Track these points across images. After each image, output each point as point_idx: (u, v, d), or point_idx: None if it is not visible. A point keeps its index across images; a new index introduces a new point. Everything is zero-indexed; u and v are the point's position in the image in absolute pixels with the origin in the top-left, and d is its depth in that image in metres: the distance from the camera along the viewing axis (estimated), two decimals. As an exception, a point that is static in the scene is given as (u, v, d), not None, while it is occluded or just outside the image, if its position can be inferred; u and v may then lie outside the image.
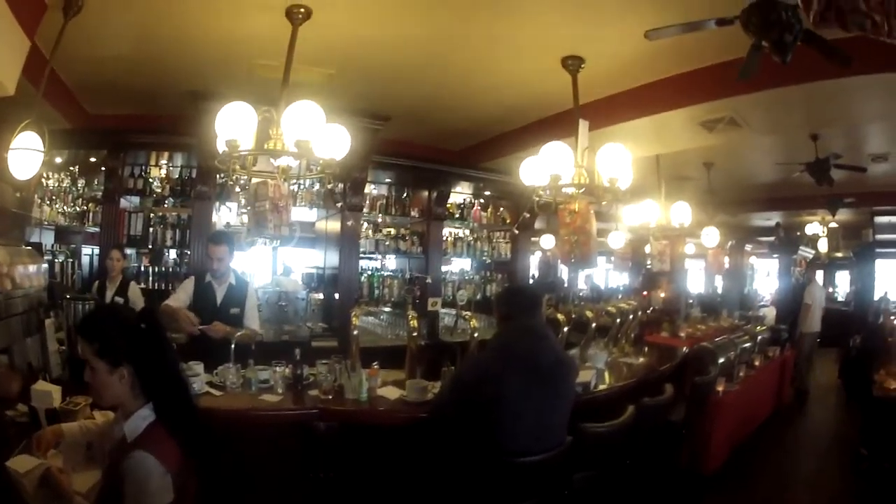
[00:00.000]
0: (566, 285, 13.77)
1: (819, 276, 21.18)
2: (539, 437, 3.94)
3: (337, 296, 8.81)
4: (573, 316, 7.22)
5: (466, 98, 7.53)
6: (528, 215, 10.06)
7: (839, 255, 19.36)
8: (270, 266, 9.68)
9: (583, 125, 6.23)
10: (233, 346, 5.14)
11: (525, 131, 7.19)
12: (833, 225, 15.73)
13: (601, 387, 5.86)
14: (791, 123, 8.16)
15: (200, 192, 7.94)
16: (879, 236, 17.95)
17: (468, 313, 6.21)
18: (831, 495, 7.20)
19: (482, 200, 10.91)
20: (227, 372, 4.87)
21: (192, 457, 2.59)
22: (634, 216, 8.84)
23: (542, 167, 5.83)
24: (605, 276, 19.00)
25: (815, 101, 6.81)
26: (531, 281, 12.19)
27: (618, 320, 7.76)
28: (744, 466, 7.84)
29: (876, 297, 17.95)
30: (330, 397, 4.70)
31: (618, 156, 5.79)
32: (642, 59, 6.42)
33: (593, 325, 7.13)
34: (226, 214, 8.82)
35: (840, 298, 22.13)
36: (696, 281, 18.44)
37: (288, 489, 4.41)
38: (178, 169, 8.58)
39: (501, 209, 11.02)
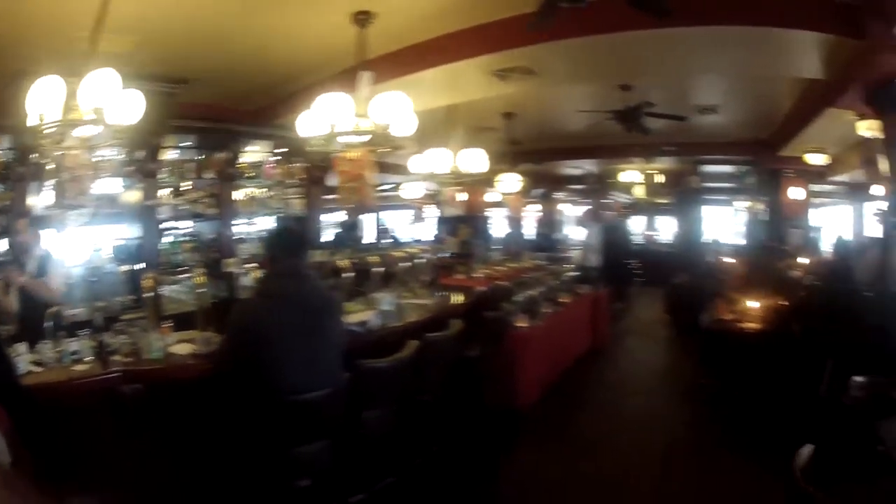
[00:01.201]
0: (364, 235, 13.76)
1: (640, 220, 22.08)
2: (312, 374, 4.03)
3: (144, 266, 8.64)
4: (358, 262, 7.46)
5: (261, 57, 7.41)
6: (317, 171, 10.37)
7: (662, 201, 20.00)
8: (81, 244, 9.45)
9: (365, 76, 6.23)
10: (51, 324, 4.98)
11: (319, 87, 7.13)
12: (653, 172, 16.15)
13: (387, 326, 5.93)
14: (597, 73, 8.42)
15: (18, 174, 7.69)
16: (706, 184, 18.63)
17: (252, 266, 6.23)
18: (652, 426, 7.46)
19: (279, 158, 10.83)
20: (43, 348, 4.74)
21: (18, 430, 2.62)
22: (425, 165, 8.89)
23: (320, 118, 5.90)
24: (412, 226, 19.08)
25: (622, 51, 7.00)
26: (336, 232, 12.23)
27: (408, 264, 8.01)
28: (563, 403, 8.08)
29: (703, 240, 18.66)
30: (131, 360, 4.67)
31: (396, 104, 5.86)
32: (436, 13, 6.47)
33: (378, 269, 7.40)
34: (46, 196, 8.46)
35: (664, 241, 22.92)
36: (501, 226, 18.73)
37: (109, 454, 4.23)
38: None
39: (294, 166, 10.97)
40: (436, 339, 5.24)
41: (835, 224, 16.77)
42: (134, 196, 8.64)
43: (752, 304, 8.56)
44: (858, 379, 5.74)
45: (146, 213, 8.61)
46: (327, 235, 12.00)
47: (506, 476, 5.92)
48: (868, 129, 8.13)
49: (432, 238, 15.03)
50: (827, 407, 5.71)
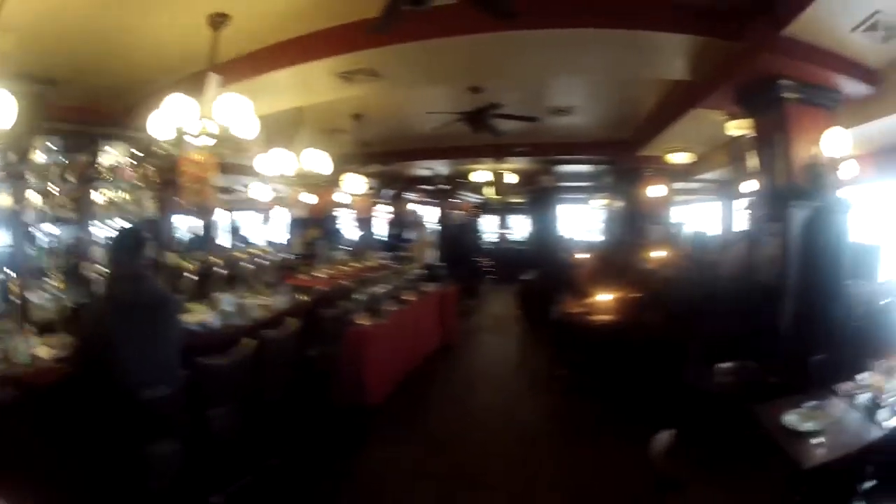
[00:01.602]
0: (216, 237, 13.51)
1: (493, 219, 22.27)
2: (153, 373, 4.10)
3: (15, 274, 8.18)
4: (204, 264, 7.59)
5: (124, 58, 7.18)
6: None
7: (515, 200, 20.18)
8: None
9: (212, 78, 6.21)
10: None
11: (174, 88, 6.93)
12: (505, 172, 16.20)
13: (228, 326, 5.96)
14: (443, 76, 8.46)
15: None
16: (563, 183, 18.83)
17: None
18: (505, 419, 7.59)
19: (135, 161, 10.41)
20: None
21: None
22: (271, 166, 8.81)
23: (167, 120, 5.85)
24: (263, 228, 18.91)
25: (468, 54, 7.11)
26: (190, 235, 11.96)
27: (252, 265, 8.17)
28: (413, 400, 8.17)
29: (557, 237, 18.90)
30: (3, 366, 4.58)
31: (239, 106, 5.88)
32: (286, 16, 6.49)
33: (222, 270, 7.62)
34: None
35: (517, 239, 23.24)
36: (350, 227, 18.61)
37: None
38: None
39: (148, 168, 10.56)
40: (273, 337, 5.37)
41: (700, 220, 17.18)
42: (4, 201, 8.27)
43: (603, 297, 8.94)
44: (725, 365, 5.83)
45: (14, 218, 8.18)
46: (181, 238, 11.66)
47: (358, 474, 5.97)
48: (738, 128, 8.37)
49: (282, 239, 14.90)
50: (690, 392, 5.99)
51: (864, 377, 4.89)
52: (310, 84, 7.88)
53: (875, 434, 4.05)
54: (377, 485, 5.76)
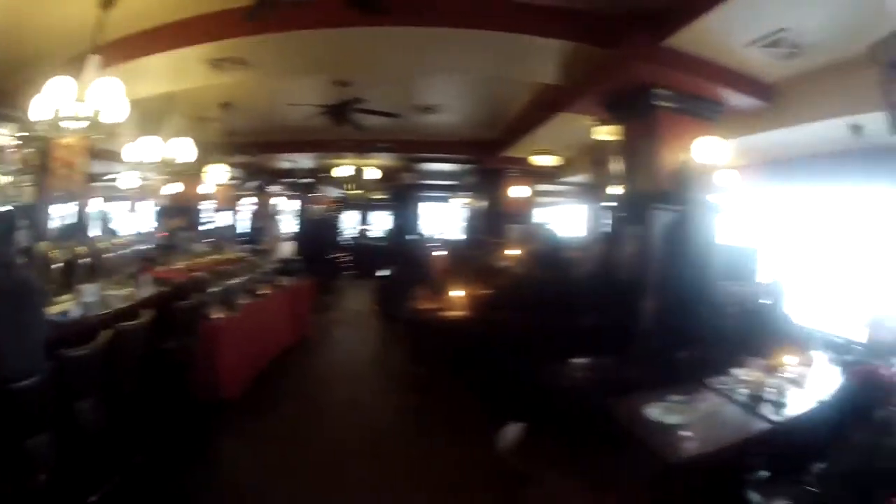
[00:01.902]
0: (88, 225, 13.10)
1: (354, 214, 22.27)
2: (22, 363, 3.93)
3: None
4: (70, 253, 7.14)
5: (16, 36, 6.91)
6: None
7: (377, 196, 20.17)
8: None
9: (92, 60, 5.95)
10: None
11: (64, 69, 6.68)
12: (368, 168, 16.14)
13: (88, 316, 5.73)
14: (311, 67, 8.47)
15: None
16: (427, 181, 18.91)
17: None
18: (361, 413, 7.60)
19: (20, 143, 9.98)
20: None
21: None
22: (138, 153, 8.61)
23: (47, 102, 5.61)
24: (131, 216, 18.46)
25: (335, 47, 7.12)
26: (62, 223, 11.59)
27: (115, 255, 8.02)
28: (269, 393, 8.06)
29: (416, 234, 19.02)
30: None
31: (110, 90, 5.66)
32: (169, 1, 6.42)
33: (85, 260, 7.16)
34: None
35: (377, 235, 23.24)
36: (214, 218, 18.27)
37: None
38: None
39: (28, 151, 10.13)
40: (127, 328, 5.24)
41: (563, 222, 17.46)
42: None
43: (455, 294, 9.00)
44: (579, 360, 5.88)
45: None
46: (55, 225, 11.26)
47: (215, 468, 5.92)
48: (605, 133, 8.66)
49: (148, 229, 14.36)
50: (541, 387, 6.06)
51: (740, 373, 5.02)
52: (182, 70, 7.72)
53: (759, 427, 4.14)
54: (233, 481, 5.65)
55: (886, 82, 4.57)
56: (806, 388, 4.86)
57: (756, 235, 8.75)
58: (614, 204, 8.24)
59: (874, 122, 5.76)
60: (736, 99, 7.30)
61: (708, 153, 7.08)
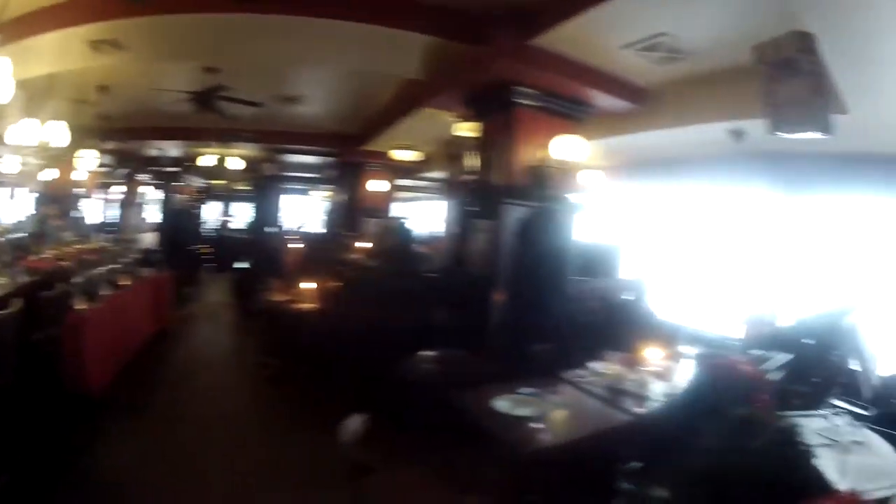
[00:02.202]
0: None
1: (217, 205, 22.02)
2: None
3: None
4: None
5: None
6: None
7: (240, 187, 20.00)
8: None
9: None
10: None
11: None
12: (232, 158, 16.02)
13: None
14: (182, 53, 8.34)
15: None
16: (289, 173, 18.84)
17: None
18: (221, 404, 7.68)
19: None
20: None
21: None
22: (19, 137, 8.42)
23: None
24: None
25: (208, 32, 7.17)
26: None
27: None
28: (134, 384, 8.03)
29: (275, 226, 18.93)
30: None
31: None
32: None
33: None
34: None
35: (239, 226, 23.14)
36: (85, 205, 17.83)
37: None
38: None
39: None
40: None
41: (421, 217, 17.64)
42: None
43: (307, 286, 9.23)
44: (428, 353, 6.04)
45: None
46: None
47: (86, 459, 5.81)
48: (464, 129, 8.84)
49: (25, 217, 13.93)
50: (388, 380, 6.15)
51: (597, 366, 5.26)
52: (64, 50, 7.58)
53: (620, 419, 4.38)
54: (99, 475, 5.59)
55: (769, 84, 4.89)
56: (673, 382, 5.09)
57: (623, 234, 9.15)
58: (469, 199, 8.43)
59: (754, 127, 6.15)
60: (605, 100, 7.66)
61: (568, 152, 7.36)
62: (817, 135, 4.80)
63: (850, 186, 7.09)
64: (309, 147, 15.89)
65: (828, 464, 3.11)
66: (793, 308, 6.42)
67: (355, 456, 3.71)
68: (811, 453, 2.71)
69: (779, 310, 6.50)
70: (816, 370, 4.23)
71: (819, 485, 2.66)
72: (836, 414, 4.06)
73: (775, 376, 3.99)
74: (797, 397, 4.01)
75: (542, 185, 7.40)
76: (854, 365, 4.33)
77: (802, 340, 4.37)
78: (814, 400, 4.10)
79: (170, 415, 7.14)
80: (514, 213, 7.34)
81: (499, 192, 7.55)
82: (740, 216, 8.28)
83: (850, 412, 4.18)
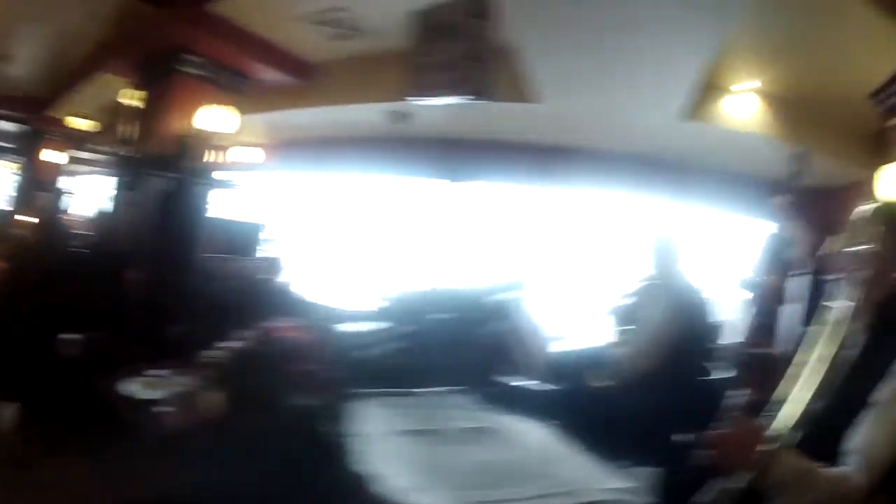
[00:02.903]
0: None
1: None
2: None
3: None
4: None
5: None
6: None
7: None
8: None
9: None
10: None
11: None
12: None
13: None
14: None
15: None
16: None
17: None
18: None
19: None
20: None
21: None
22: None
23: None
24: None
25: None
26: None
27: None
28: None
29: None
30: None
31: None
32: None
33: None
34: None
35: None
36: None
37: None
38: None
39: None
40: None
41: (95, 190, 17.00)
42: None
43: None
44: (71, 336, 5.77)
45: None
46: None
47: None
48: (130, 97, 8.35)
49: None
50: (37, 362, 5.62)
51: (230, 346, 5.17)
52: None
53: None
54: None
55: (421, 47, 4.92)
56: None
57: (269, 213, 8.99)
58: (120, 171, 8.16)
59: (425, 111, 6.25)
60: (270, 74, 7.52)
61: (217, 124, 7.20)
62: (467, 99, 4.88)
63: (527, 176, 7.48)
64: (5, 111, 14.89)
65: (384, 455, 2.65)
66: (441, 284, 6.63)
67: (11, 447, 3.46)
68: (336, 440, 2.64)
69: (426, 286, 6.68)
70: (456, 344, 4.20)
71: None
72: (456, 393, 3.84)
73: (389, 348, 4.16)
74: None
75: (185, 157, 7.21)
76: (519, 340, 4.45)
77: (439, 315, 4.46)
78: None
79: None
80: (155, 186, 7.10)
81: (144, 163, 7.31)
82: (398, 200, 8.48)
83: (479, 392, 3.80)
